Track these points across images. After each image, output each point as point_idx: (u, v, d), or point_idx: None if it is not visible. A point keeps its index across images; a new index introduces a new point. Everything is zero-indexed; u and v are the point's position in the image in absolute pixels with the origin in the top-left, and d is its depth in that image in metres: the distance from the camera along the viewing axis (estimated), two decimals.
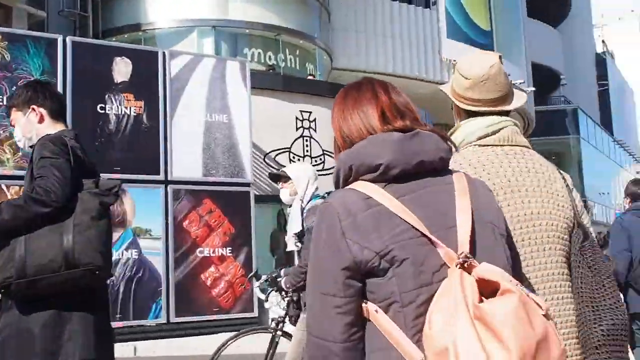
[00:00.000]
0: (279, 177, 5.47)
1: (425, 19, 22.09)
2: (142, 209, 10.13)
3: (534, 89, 28.05)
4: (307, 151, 15.05)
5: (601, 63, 51.47)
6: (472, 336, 1.57)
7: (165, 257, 10.18)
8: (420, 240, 1.74)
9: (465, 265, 1.68)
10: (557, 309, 2.27)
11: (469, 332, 1.57)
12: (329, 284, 1.75)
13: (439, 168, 1.86)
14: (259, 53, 18.64)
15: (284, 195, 5.35)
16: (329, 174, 13.22)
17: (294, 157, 14.81)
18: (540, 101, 34.13)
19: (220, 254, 10.84)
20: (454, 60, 22.32)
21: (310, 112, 15.09)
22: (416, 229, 1.74)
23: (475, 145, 2.39)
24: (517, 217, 2.29)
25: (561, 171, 2.49)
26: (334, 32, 20.00)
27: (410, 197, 1.80)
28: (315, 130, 15.21)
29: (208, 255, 10.71)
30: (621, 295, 2.38)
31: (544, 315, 1.65)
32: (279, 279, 5.22)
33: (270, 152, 14.45)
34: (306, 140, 15.10)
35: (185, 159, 10.68)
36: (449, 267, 1.70)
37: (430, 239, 1.73)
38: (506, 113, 2.46)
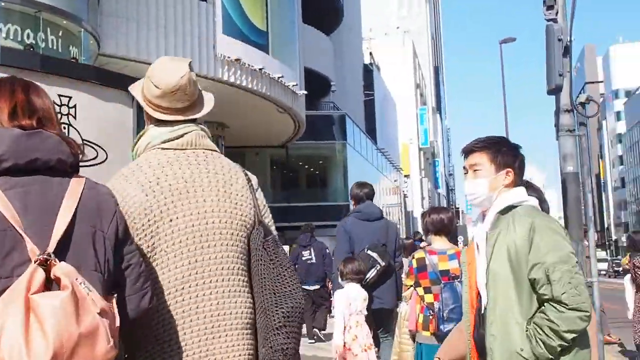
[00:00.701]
0: None
1: (201, 12, 21.42)
2: None
3: (305, 92, 28.37)
4: None
5: (368, 74, 53.79)
6: (20, 323, 1.70)
7: None
8: (10, 233, 1.82)
9: (47, 263, 1.81)
10: (230, 300, 2.42)
11: (18, 319, 1.70)
12: None
13: (58, 169, 1.98)
14: (16, 30, 16.91)
15: None
16: (91, 165, 12.25)
17: None
18: (311, 106, 34.73)
19: None
20: (229, 57, 21.89)
21: (70, 97, 13.80)
22: (8, 222, 1.81)
23: (158, 148, 2.54)
24: (190, 215, 2.42)
25: (248, 173, 2.67)
26: (103, 17, 18.72)
27: (16, 190, 1.89)
28: (75, 118, 13.96)
29: None
30: (299, 284, 2.52)
31: (98, 313, 1.78)
32: None
33: None
34: (64, 128, 13.82)
35: None
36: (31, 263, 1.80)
37: (20, 234, 1.81)
38: (193, 120, 2.63)
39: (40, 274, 1.80)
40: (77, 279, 1.83)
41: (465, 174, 3.29)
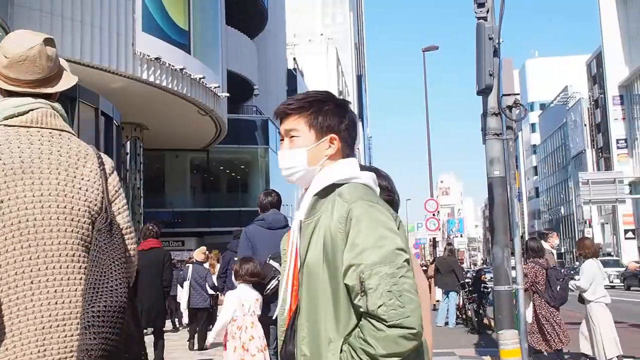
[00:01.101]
0: None
1: (120, 8, 20.65)
2: None
3: (228, 94, 27.90)
4: None
5: (292, 79, 53.52)
6: None
7: None
8: None
9: None
10: (70, 288, 2.30)
11: None
12: None
13: None
14: None
15: None
16: None
17: None
18: (233, 109, 34.24)
19: None
20: (148, 55, 21.22)
21: None
22: None
23: (2, 124, 2.41)
24: (23, 197, 2.30)
25: (103, 156, 2.53)
26: (14, 8, 17.78)
27: None
28: None
29: None
30: (123, 281, 2.33)
31: None
32: None
33: None
34: None
35: None
36: None
37: None
38: (47, 96, 2.50)
39: None
40: None
41: (281, 141, 2.47)
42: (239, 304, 6.09)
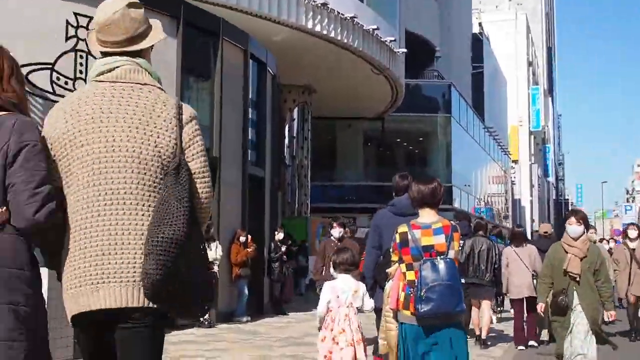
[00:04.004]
0: None
1: None
2: None
3: (405, 50, 24.68)
4: (80, 72, 10.52)
5: (477, 44, 49.31)
6: None
7: None
8: None
9: None
10: (130, 220, 2.64)
11: None
12: None
13: None
14: None
15: None
16: None
17: (58, 78, 10.26)
18: (412, 75, 30.96)
19: None
20: (314, 1, 18.43)
21: (90, 18, 10.67)
22: None
23: (93, 80, 2.82)
24: (99, 142, 2.68)
25: (184, 106, 2.82)
26: None
27: None
28: None
29: None
30: (185, 216, 2.61)
31: None
32: None
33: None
34: (81, 57, 10.58)
35: None
36: None
37: None
38: (134, 53, 2.85)
39: None
40: None
41: None
42: (334, 295, 6.05)
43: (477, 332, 10.73)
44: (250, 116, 15.39)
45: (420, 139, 35.60)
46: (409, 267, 4.77)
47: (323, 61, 21.51)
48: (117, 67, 2.79)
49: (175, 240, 2.53)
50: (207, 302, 2.74)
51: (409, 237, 4.76)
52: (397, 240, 4.86)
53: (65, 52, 10.37)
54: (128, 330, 2.62)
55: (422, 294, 4.54)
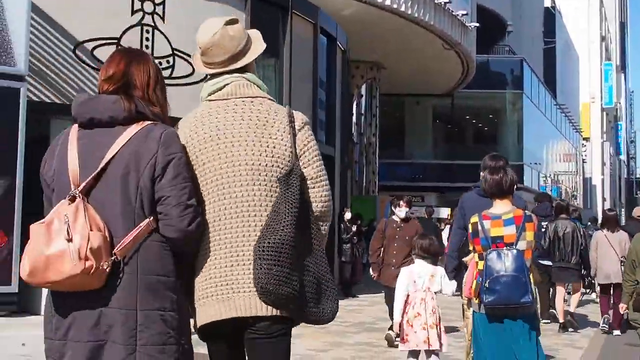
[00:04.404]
0: None
1: None
2: None
3: (477, 24, 23.84)
4: (146, 46, 10.23)
5: (550, 18, 47.76)
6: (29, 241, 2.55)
7: None
8: (64, 176, 2.61)
9: (77, 197, 2.54)
10: (249, 231, 2.75)
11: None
12: None
13: (112, 123, 2.63)
14: None
15: None
16: (188, 84, 8.36)
17: None
18: (482, 50, 30.05)
19: None
20: None
21: None
22: (67, 168, 2.61)
23: (206, 100, 2.94)
24: (219, 159, 2.79)
25: (295, 113, 2.91)
26: None
27: (82, 141, 2.64)
28: (163, 19, 10.45)
29: None
30: (291, 223, 2.70)
31: (68, 239, 2.45)
32: None
33: (84, 42, 9.59)
34: (147, 31, 10.28)
35: None
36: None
37: (69, 178, 2.59)
38: (240, 69, 2.95)
39: (61, 207, 2.55)
40: (66, 215, 2.50)
41: None
42: (411, 279, 6.20)
43: (562, 320, 10.22)
44: (319, 95, 14.97)
45: (491, 116, 34.65)
46: (480, 257, 4.81)
47: (392, 36, 20.90)
48: (226, 84, 2.91)
49: (282, 246, 2.64)
50: (329, 304, 2.81)
51: (479, 227, 4.79)
52: (470, 230, 4.93)
53: (131, 27, 10.12)
54: (258, 337, 2.76)
55: (486, 284, 4.60)
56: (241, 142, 2.78)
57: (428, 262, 6.28)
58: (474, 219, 4.87)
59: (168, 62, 10.42)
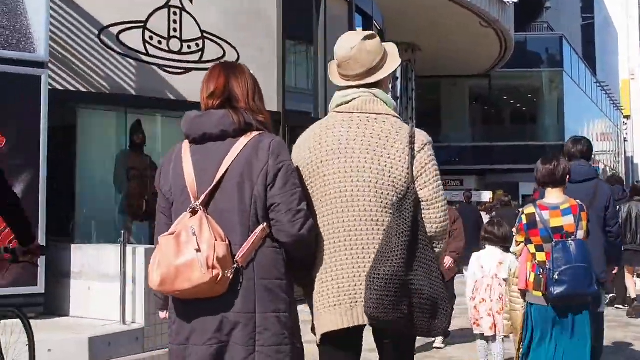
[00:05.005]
0: None
1: None
2: None
3: (516, 0, 23.02)
4: (174, 30, 9.71)
5: None
6: (153, 256, 2.76)
7: None
8: (185, 190, 2.80)
9: (196, 210, 2.72)
10: (367, 249, 2.85)
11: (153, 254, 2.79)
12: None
13: (223, 137, 2.80)
14: None
15: None
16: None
17: (151, 37, 9.48)
18: (519, 28, 29.18)
19: None
20: None
21: None
22: (185, 182, 2.79)
23: (333, 111, 3.07)
24: (339, 172, 2.91)
25: (417, 133, 2.93)
26: None
27: (195, 157, 2.82)
28: (191, 0, 9.92)
29: None
30: (403, 253, 2.77)
31: (196, 250, 2.63)
32: None
33: (109, 27, 9.11)
34: (174, 14, 9.75)
35: None
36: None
37: (188, 191, 2.78)
38: (372, 84, 3.02)
39: (185, 219, 2.74)
40: (192, 227, 2.68)
41: None
42: (478, 266, 6.23)
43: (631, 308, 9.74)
44: None
45: (529, 95, 33.86)
46: (539, 249, 4.76)
47: (428, 15, 20.43)
48: (354, 98, 3.00)
49: (392, 277, 2.73)
50: (441, 320, 2.90)
51: (537, 218, 4.75)
52: (524, 222, 4.86)
53: (157, 9, 9.55)
54: (389, 342, 2.98)
55: (555, 276, 4.55)
56: (360, 160, 2.89)
57: (497, 248, 6.21)
58: (530, 209, 4.84)
59: (197, 45, 9.87)
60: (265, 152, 2.75)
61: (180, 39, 9.73)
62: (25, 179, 7.22)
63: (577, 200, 4.85)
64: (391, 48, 3.12)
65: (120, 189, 9.54)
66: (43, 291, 7.24)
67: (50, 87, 7.84)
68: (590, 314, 4.68)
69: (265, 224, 2.76)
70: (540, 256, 4.71)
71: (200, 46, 9.92)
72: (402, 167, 2.86)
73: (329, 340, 2.93)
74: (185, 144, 2.86)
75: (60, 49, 8.61)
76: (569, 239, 4.63)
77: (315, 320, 2.95)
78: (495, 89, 32.20)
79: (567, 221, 4.71)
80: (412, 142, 2.88)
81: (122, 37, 9.15)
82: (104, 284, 7.05)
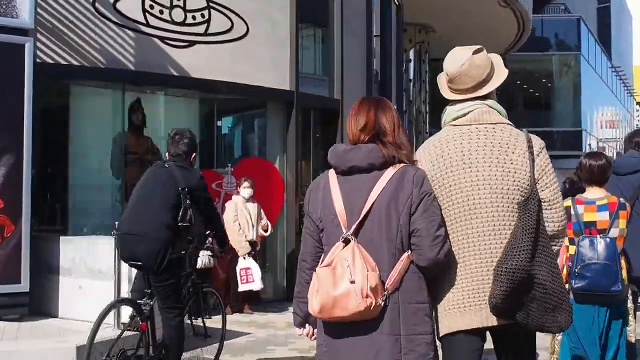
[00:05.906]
0: None
1: None
2: None
3: None
4: None
5: None
6: (312, 284, 2.94)
7: None
8: (335, 220, 2.98)
9: (349, 240, 2.89)
10: (496, 251, 2.99)
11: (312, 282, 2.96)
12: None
13: (370, 169, 2.95)
14: None
15: None
16: (224, 41, 7.45)
17: (151, 6, 8.65)
18: (535, 10, 28.27)
19: None
20: None
21: None
22: (335, 212, 2.98)
23: (450, 125, 3.20)
24: (464, 182, 3.05)
25: (533, 138, 3.10)
26: None
27: (344, 187, 2.99)
28: None
29: None
30: (527, 249, 2.93)
31: (351, 281, 2.80)
32: None
33: None
34: None
35: None
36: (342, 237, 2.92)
37: (339, 221, 2.96)
38: (483, 96, 3.18)
39: (339, 249, 2.91)
40: (346, 259, 2.85)
41: None
42: None
43: None
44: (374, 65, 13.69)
45: (544, 80, 33.06)
46: (571, 242, 4.88)
47: None
48: (470, 111, 3.15)
49: (516, 271, 2.87)
50: (563, 315, 2.99)
51: (572, 211, 4.83)
52: None
53: None
54: (513, 338, 3.13)
55: (576, 269, 4.68)
56: (485, 167, 3.03)
57: None
58: (567, 202, 4.83)
59: (203, 16, 9.06)
60: (410, 184, 2.94)
61: (183, 8, 8.99)
62: (6, 162, 6.40)
63: (621, 199, 4.88)
64: (497, 59, 3.27)
65: (117, 174, 8.92)
66: (27, 290, 6.58)
67: (38, 61, 7.07)
68: (620, 313, 4.76)
69: (409, 251, 2.94)
70: (572, 249, 4.84)
71: (206, 17, 9.14)
72: (525, 170, 3.02)
73: (455, 340, 3.08)
74: (332, 174, 3.05)
75: (50, 17, 7.87)
76: (599, 235, 4.70)
77: (440, 320, 3.09)
78: (510, 73, 31.24)
79: (602, 217, 4.79)
80: (530, 147, 3.05)
81: (119, 5, 8.42)
82: (97, 282, 6.43)
